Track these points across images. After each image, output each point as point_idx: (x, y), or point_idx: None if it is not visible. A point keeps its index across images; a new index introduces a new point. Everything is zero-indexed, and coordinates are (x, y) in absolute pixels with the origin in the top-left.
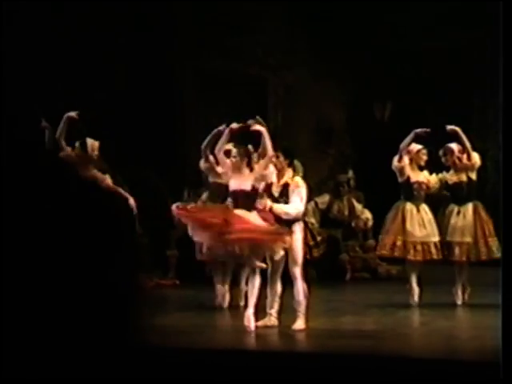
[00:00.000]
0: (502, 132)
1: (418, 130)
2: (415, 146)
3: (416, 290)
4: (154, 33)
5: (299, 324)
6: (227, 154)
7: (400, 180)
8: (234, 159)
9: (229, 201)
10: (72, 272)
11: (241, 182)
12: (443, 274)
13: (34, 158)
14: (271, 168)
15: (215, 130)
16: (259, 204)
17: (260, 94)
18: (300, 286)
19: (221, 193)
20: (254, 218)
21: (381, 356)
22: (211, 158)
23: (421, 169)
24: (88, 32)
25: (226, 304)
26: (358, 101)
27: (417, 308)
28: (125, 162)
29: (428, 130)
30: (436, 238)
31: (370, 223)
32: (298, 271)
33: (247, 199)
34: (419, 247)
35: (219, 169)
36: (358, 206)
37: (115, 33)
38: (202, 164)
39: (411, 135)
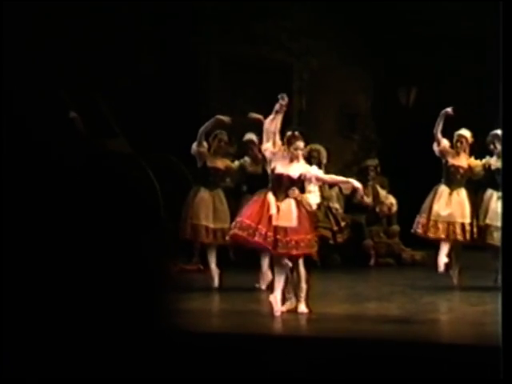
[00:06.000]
0: (502, 130)
1: (445, 110)
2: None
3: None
4: (178, 18)
5: (303, 308)
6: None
7: (443, 163)
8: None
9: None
10: (102, 258)
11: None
12: (469, 259)
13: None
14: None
15: (215, 118)
16: (291, 194)
17: (284, 80)
18: (303, 272)
19: (215, 176)
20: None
21: (405, 342)
22: (205, 143)
23: (470, 154)
24: (112, 18)
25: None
26: (382, 86)
27: (442, 293)
28: (149, 147)
29: (454, 107)
30: (464, 220)
31: (395, 208)
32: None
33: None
34: (441, 225)
35: (272, 149)
36: (382, 192)
37: (140, 19)
38: (195, 147)
39: (440, 117)
